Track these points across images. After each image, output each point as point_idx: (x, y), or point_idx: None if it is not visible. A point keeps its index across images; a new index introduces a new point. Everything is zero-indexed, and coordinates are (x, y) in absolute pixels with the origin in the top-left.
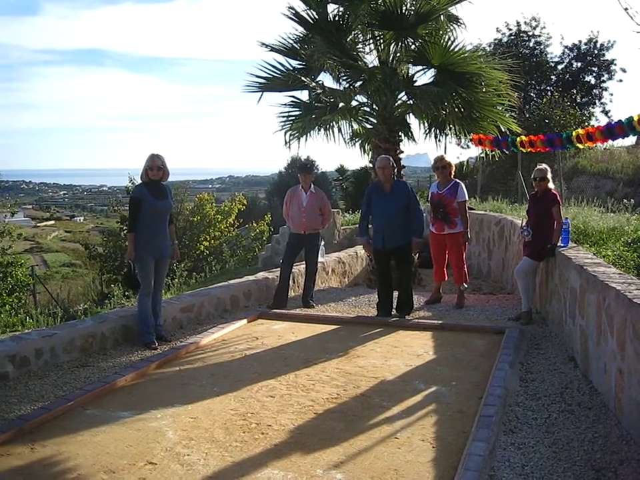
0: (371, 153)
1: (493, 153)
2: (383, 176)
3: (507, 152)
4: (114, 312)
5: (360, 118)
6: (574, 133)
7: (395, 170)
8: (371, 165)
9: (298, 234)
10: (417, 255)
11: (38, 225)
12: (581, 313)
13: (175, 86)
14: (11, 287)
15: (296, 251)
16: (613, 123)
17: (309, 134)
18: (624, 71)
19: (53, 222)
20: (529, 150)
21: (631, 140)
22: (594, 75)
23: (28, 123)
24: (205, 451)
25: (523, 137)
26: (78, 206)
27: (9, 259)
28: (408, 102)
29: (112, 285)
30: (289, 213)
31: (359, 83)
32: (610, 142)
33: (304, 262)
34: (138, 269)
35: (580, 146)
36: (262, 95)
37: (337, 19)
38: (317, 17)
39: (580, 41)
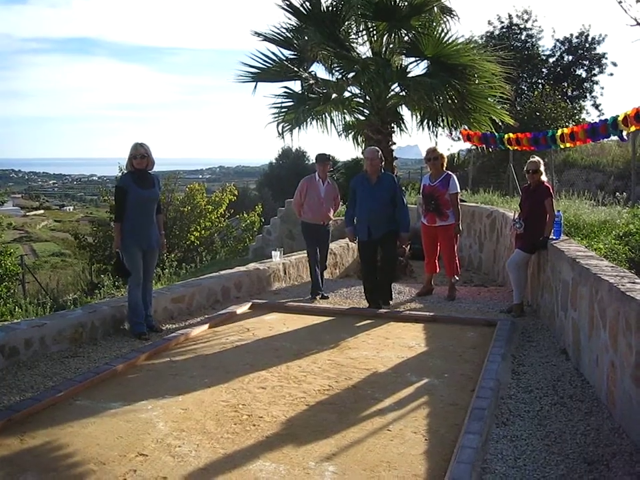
0: (363, 144)
1: (480, 148)
2: (370, 167)
3: (493, 149)
4: (104, 302)
5: (353, 109)
6: (559, 132)
7: (383, 162)
8: (362, 157)
9: (317, 225)
10: (409, 247)
11: (27, 214)
12: (573, 305)
13: (166, 75)
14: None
15: (316, 241)
16: (597, 122)
17: (301, 125)
18: (615, 64)
19: (42, 211)
20: (515, 148)
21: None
22: (585, 68)
23: (17, 111)
24: (196, 442)
25: (511, 135)
26: (67, 195)
27: None
28: (401, 93)
29: (102, 275)
30: (307, 203)
31: (351, 74)
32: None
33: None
34: (125, 259)
35: (562, 145)
36: (256, 85)
37: (330, 9)
38: (310, 7)
39: (571, 35)
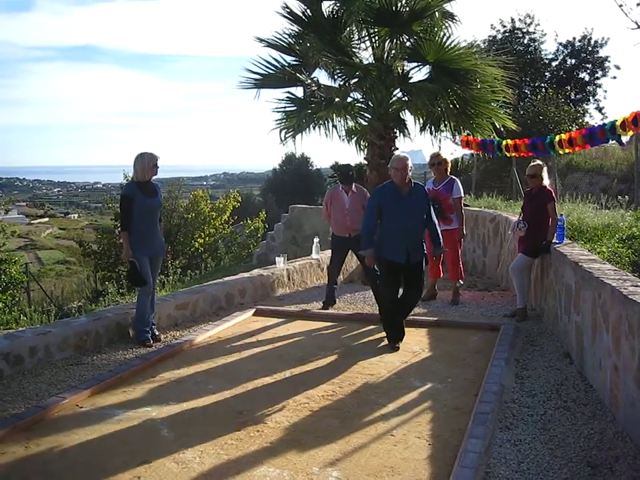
0: (366, 149)
1: (479, 154)
2: (400, 178)
3: (491, 155)
4: (108, 309)
5: (355, 114)
6: (556, 138)
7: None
8: (365, 162)
9: (342, 237)
10: None
11: (32, 222)
12: (576, 309)
13: (169, 83)
14: (4, 284)
15: (342, 255)
16: (595, 127)
17: (304, 131)
18: (618, 67)
19: (47, 219)
20: (512, 154)
21: (624, 137)
22: (588, 71)
23: (21, 119)
24: (200, 448)
25: (509, 141)
26: (72, 203)
27: (3, 256)
28: (403, 98)
29: (106, 283)
30: (332, 215)
31: (354, 80)
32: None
33: (308, 257)
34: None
35: (561, 151)
36: (259, 91)
37: (331, 15)
38: (311, 14)
39: (574, 38)
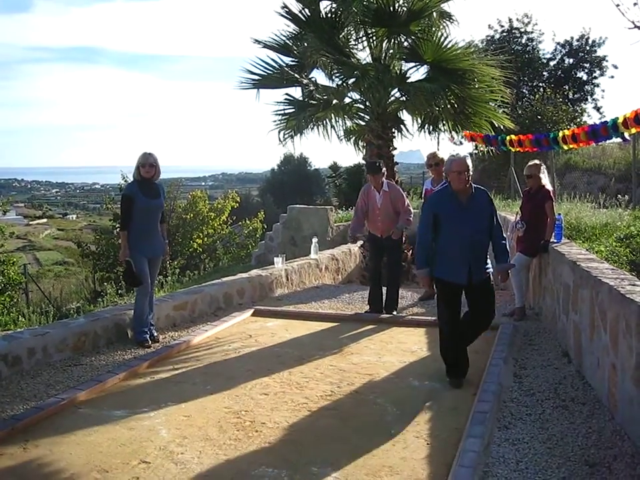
0: (364, 149)
1: (487, 149)
2: (460, 182)
3: (497, 151)
4: (107, 310)
5: (353, 115)
6: (560, 134)
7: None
8: (364, 162)
9: (374, 236)
10: (410, 251)
11: (30, 223)
12: (574, 308)
13: (168, 83)
14: (3, 285)
15: (378, 250)
16: (597, 124)
17: (303, 132)
18: (615, 67)
19: (45, 220)
20: (517, 149)
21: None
22: (586, 71)
23: (20, 120)
24: (199, 449)
25: (513, 136)
26: (70, 204)
27: (1, 257)
28: (401, 98)
29: (105, 283)
30: (365, 212)
31: (352, 80)
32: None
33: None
34: (134, 267)
35: (565, 147)
36: (258, 92)
37: (329, 15)
38: (309, 14)
39: (572, 38)
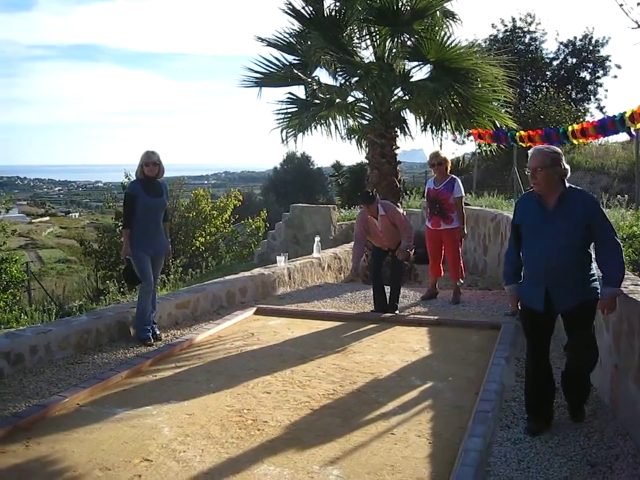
0: (367, 148)
1: (490, 148)
2: (543, 182)
3: (505, 147)
4: (109, 308)
5: (356, 114)
6: (569, 128)
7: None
8: (367, 161)
9: (378, 247)
10: (413, 251)
11: (33, 221)
12: None
13: (170, 81)
14: (5, 283)
15: (380, 259)
16: (605, 118)
17: (305, 131)
18: (619, 67)
19: (47, 218)
20: (528, 145)
21: (625, 135)
22: (589, 71)
23: (22, 118)
24: (201, 447)
25: (522, 132)
26: (73, 202)
27: (4, 255)
28: (404, 97)
29: (107, 281)
30: (366, 235)
31: (355, 79)
32: (605, 137)
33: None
34: (135, 266)
35: (575, 141)
36: (261, 90)
37: (333, 14)
38: (313, 12)
39: (575, 37)
